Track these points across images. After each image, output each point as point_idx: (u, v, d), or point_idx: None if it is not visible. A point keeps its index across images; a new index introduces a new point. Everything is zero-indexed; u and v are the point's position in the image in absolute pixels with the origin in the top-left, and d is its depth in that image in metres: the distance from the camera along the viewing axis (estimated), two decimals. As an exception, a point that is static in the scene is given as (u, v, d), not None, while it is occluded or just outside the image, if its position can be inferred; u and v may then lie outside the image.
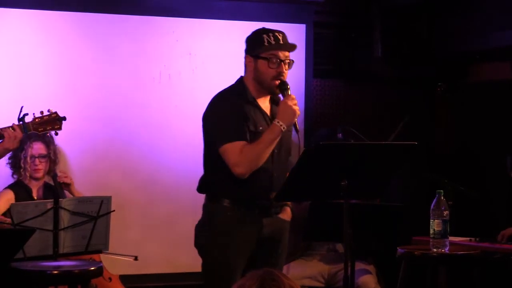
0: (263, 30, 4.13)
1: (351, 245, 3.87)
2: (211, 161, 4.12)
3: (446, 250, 4.36)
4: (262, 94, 4.12)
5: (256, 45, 4.09)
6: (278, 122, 4.00)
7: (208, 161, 4.14)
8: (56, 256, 4.26)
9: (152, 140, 5.73)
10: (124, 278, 5.27)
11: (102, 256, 4.90)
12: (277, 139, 4.01)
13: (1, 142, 4.07)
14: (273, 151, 4.06)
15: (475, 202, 5.60)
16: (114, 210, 4.41)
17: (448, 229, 4.35)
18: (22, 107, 4.02)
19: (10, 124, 4.09)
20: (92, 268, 4.25)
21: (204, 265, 4.16)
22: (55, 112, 4.13)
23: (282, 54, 4.08)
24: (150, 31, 5.75)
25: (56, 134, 4.17)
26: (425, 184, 5.82)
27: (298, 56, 5.96)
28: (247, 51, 4.14)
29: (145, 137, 5.71)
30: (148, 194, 5.72)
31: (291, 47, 4.13)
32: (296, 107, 4.02)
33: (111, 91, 5.66)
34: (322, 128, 5.90)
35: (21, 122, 4.02)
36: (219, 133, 4.04)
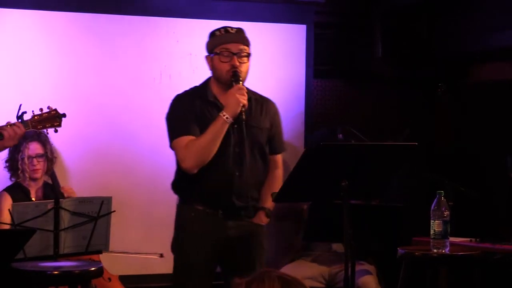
0: (219, 28, 4.15)
1: (351, 245, 3.87)
2: (176, 161, 4.20)
3: (446, 250, 4.36)
4: (225, 92, 4.11)
5: (209, 42, 4.14)
6: (222, 113, 4.00)
7: (177, 162, 4.20)
8: (56, 256, 4.26)
9: (153, 141, 5.72)
10: (123, 278, 5.27)
11: (102, 256, 4.90)
12: (223, 131, 3.99)
13: (1, 141, 4.03)
14: (233, 149, 4.05)
15: (475, 203, 5.60)
16: (114, 211, 4.41)
17: (449, 230, 4.35)
18: (20, 105, 4.00)
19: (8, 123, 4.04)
20: (93, 269, 4.26)
21: (174, 264, 4.25)
22: (55, 109, 4.11)
23: (234, 47, 4.07)
24: (151, 31, 5.75)
25: (56, 131, 4.14)
26: (426, 185, 5.81)
27: (298, 57, 6.00)
28: (207, 52, 4.16)
29: (145, 138, 5.71)
30: (148, 194, 5.71)
31: (239, 39, 4.09)
32: (241, 97, 4.00)
33: (112, 91, 5.66)
34: (322, 128, 5.90)
35: (19, 120, 4.00)
36: (170, 132, 4.16)
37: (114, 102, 5.65)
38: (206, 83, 4.20)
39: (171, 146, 4.11)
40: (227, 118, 3.98)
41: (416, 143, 3.82)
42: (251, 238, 4.17)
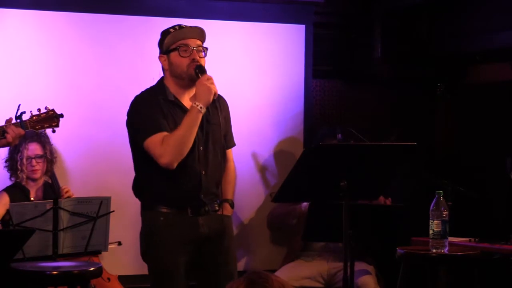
0: (171, 26, 4.11)
1: (350, 245, 3.87)
2: (138, 162, 4.12)
3: (445, 250, 4.36)
4: (184, 90, 4.09)
5: (165, 40, 4.08)
6: (195, 103, 3.95)
7: (137, 163, 4.14)
8: (55, 256, 4.26)
9: (152, 141, 5.72)
10: (123, 278, 5.26)
11: (101, 256, 4.90)
12: (197, 121, 3.95)
13: (3, 139, 4.02)
14: (198, 148, 4.03)
15: (474, 203, 5.60)
16: (113, 211, 4.41)
17: (448, 230, 4.35)
18: (19, 105, 3.99)
19: (4, 123, 4.02)
20: (92, 269, 4.26)
21: (148, 271, 4.16)
22: (52, 110, 4.10)
23: (192, 42, 4.05)
24: (150, 31, 5.73)
25: (54, 131, 4.13)
26: (425, 185, 5.81)
27: (298, 57, 5.99)
28: (160, 52, 4.13)
29: (144, 138, 5.70)
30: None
31: (196, 34, 4.06)
32: (212, 85, 3.97)
33: (111, 91, 5.66)
34: (322, 128, 5.90)
35: (18, 120, 3.99)
36: (139, 131, 4.03)
37: (113, 102, 5.64)
38: (161, 82, 4.15)
39: (144, 146, 3.99)
40: (200, 107, 3.94)
41: (415, 143, 3.82)
42: (223, 230, 4.13)
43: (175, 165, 3.95)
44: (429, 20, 6.63)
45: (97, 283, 4.87)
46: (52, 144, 5.14)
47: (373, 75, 6.54)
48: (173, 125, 3.99)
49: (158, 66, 5.73)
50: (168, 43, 4.06)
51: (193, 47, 4.03)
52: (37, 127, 4.04)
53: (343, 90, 6.55)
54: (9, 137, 3.94)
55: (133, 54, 5.69)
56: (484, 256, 4.58)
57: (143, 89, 5.72)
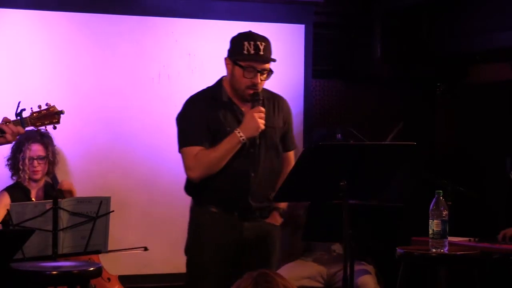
0: (247, 36, 4.09)
1: (350, 245, 3.87)
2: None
3: (445, 250, 4.36)
4: (239, 96, 4.12)
5: (236, 51, 4.08)
6: (239, 132, 4.00)
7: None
8: (55, 256, 4.26)
9: (151, 141, 5.73)
10: (123, 278, 5.26)
11: (101, 256, 4.90)
12: (235, 149, 4.00)
13: (1, 137, 4.00)
14: (248, 150, 4.05)
15: (474, 203, 5.60)
16: (113, 211, 4.41)
17: (447, 230, 4.35)
18: (19, 102, 3.97)
19: (1, 121, 4.01)
20: (92, 269, 4.25)
21: (186, 265, 4.21)
22: (53, 106, 4.07)
23: (259, 66, 4.05)
24: (149, 31, 5.75)
25: (55, 128, 4.11)
26: (424, 185, 5.81)
27: (297, 57, 5.99)
28: (228, 53, 4.14)
29: (144, 138, 5.71)
30: (147, 194, 5.72)
31: (267, 59, 4.07)
32: (261, 121, 4.01)
33: (110, 91, 5.66)
34: (321, 128, 5.89)
35: (18, 118, 3.98)
36: (180, 137, 4.12)
37: (112, 102, 5.65)
38: (220, 83, 4.18)
39: (180, 152, 4.09)
40: (242, 139, 3.99)
41: (415, 143, 3.81)
42: (266, 238, 4.17)
43: (199, 180, 4.04)
44: (429, 20, 6.64)
45: (97, 283, 4.87)
46: (55, 145, 5.14)
47: (373, 75, 6.55)
48: (219, 130, 4.03)
49: (158, 66, 5.78)
50: (238, 57, 4.05)
51: (259, 71, 4.03)
52: (37, 124, 4.02)
53: (343, 90, 6.56)
54: (8, 136, 3.93)
55: (133, 53, 5.69)
56: (484, 256, 4.58)
57: (143, 89, 5.76)
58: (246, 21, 5.70)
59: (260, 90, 4.08)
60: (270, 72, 4.09)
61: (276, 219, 4.21)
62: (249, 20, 5.70)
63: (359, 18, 6.57)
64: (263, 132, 4.08)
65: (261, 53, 4.04)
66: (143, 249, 4.97)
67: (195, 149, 4.02)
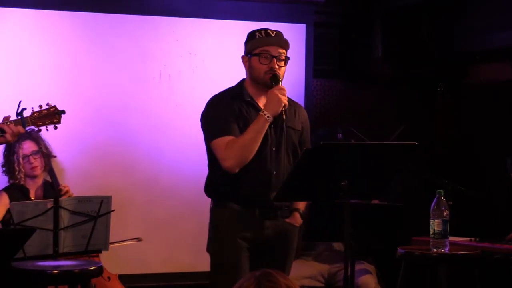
0: (259, 29, 4.16)
1: (351, 245, 3.87)
2: (210, 160, 4.17)
3: (446, 250, 4.36)
4: (262, 93, 4.13)
5: (249, 43, 4.14)
6: (263, 111, 4.02)
7: (209, 161, 4.19)
8: (56, 255, 4.25)
9: (152, 140, 5.73)
10: (123, 278, 5.26)
11: (102, 255, 4.90)
12: (264, 129, 4.01)
13: (1, 137, 4.00)
14: (271, 149, 4.07)
15: (475, 202, 5.60)
16: (114, 210, 4.40)
17: (448, 229, 4.35)
18: (20, 102, 3.97)
19: (2, 120, 4.00)
20: (92, 268, 4.25)
21: (210, 264, 4.21)
22: (54, 106, 4.08)
23: (274, 50, 4.09)
24: (150, 30, 5.75)
25: (55, 128, 4.11)
26: (425, 184, 5.81)
27: (298, 56, 5.99)
28: (244, 52, 4.17)
29: (145, 137, 5.71)
30: (148, 193, 5.71)
31: (280, 42, 4.12)
32: (283, 97, 4.02)
33: (111, 90, 5.66)
34: (322, 128, 5.89)
35: (19, 117, 3.98)
36: (209, 131, 4.12)
37: (114, 101, 5.65)
38: (241, 84, 4.20)
39: (211, 146, 4.09)
40: (268, 117, 4.00)
41: (416, 143, 3.81)
42: (286, 238, 4.17)
43: (237, 169, 4.02)
44: (429, 20, 6.64)
45: (98, 282, 4.87)
46: (44, 139, 5.11)
47: (373, 74, 6.55)
48: (245, 126, 4.04)
49: (159, 65, 5.78)
50: (252, 47, 4.10)
51: (274, 55, 4.06)
52: (38, 124, 4.02)
53: (344, 90, 6.56)
54: (7, 135, 3.93)
55: (133, 53, 5.69)
56: (485, 256, 4.58)
57: (144, 88, 5.76)
58: (247, 21, 5.71)
59: (280, 75, 4.09)
60: (287, 58, 4.12)
61: (297, 220, 4.21)
62: (250, 20, 5.71)
63: (359, 18, 6.57)
64: (284, 132, 4.09)
65: (273, 35, 4.10)
66: (136, 240, 4.96)
67: (226, 139, 4.02)
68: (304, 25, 6.07)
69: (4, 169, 5.09)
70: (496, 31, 6.08)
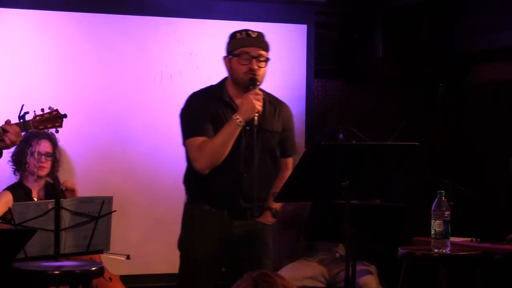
0: (240, 30, 4.17)
1: (352, 245, 3.87)
2: (186, 158, 4.22)
3: (447, 250, 4.36)
4: (242, 94, 4.12)
5: (230, 43, 4.16)
6: (235, 115, 4.03)
7: (187, 160, 4.22)
8: (57, 256, 4.26)
9: (153, 140, 5.73)
10: (124, 278, 5.27)
11: (102, 256, 4.90)
12: (235, 134, 4.01)
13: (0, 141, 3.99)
14: (243, 151, 4.07)
15: (476, 203, 5.60)
16: (115, 210, 4.41)
17: (449, 230, 4.35)
18: (23, 105, 3.98)
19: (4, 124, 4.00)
20: (94, 268, 4.25)
21: (179, 259, 4.26)
22: (56, 110, 4.09)
23: (254, 51, 4.09)
24: (151, 31, 5.75)
25: (57, 131, 4.13)
26: (426, 185, 5.81)
27: (299, 57, 5.99)
28: (225, 52, 4.18)
29: (146, 137, 5.72)
30: (149, 194, 5.72)
31: (260, 43, 4.12)
32: (257, 102, 4.02)
33: (112, 91, 5.66)
34: (324, 128, 5.89)
35: (21, 120, 3.99)
36: (183, 130, 4.16)
37: (115, 102, 5.65)
38: (223, 83, 4.22)
39: (184, 144, 4.13)
40: (240, 121, 4.01)
41: (417, 143, 3.81)
42: (256, 236, 4.17)
43: (207, 171, 4.05)
44: (430, 20, 6.64)
45: (99, 282, 4.87)
46: (59, 146, 5.16)
47: (374, 74, 6.55)
48: (220, 126, 4.06)
49: (160, 65, 5.78)
50: (232, 48, 4.13)
51: (254, 56, 4.06)
52: (40, 127, 4.03)
53: (345, 90, 6.56)
54: (7, 139, 3.92)
55: (135, 53, 5.70)
56: (486, 256, 4.57)
57: (145, 89, 5.76)
58: (248, 21, 5.70)
59: (259, 77, 4.08)
60: (267, 59, 4.11)
61: (268, 219, 4.22)
62: (251, 20, 5.71)
63: (360, 18, 6.57)
64: (259, 135, 4.09)
65: (253, 36, 4.10)
66: (125, 257, 4.95)
67: (198, 139, 4.05)
68: (305, 26, 6.07)
69: (14, 158, 5.09)
70: (497, 31, 6.08)
